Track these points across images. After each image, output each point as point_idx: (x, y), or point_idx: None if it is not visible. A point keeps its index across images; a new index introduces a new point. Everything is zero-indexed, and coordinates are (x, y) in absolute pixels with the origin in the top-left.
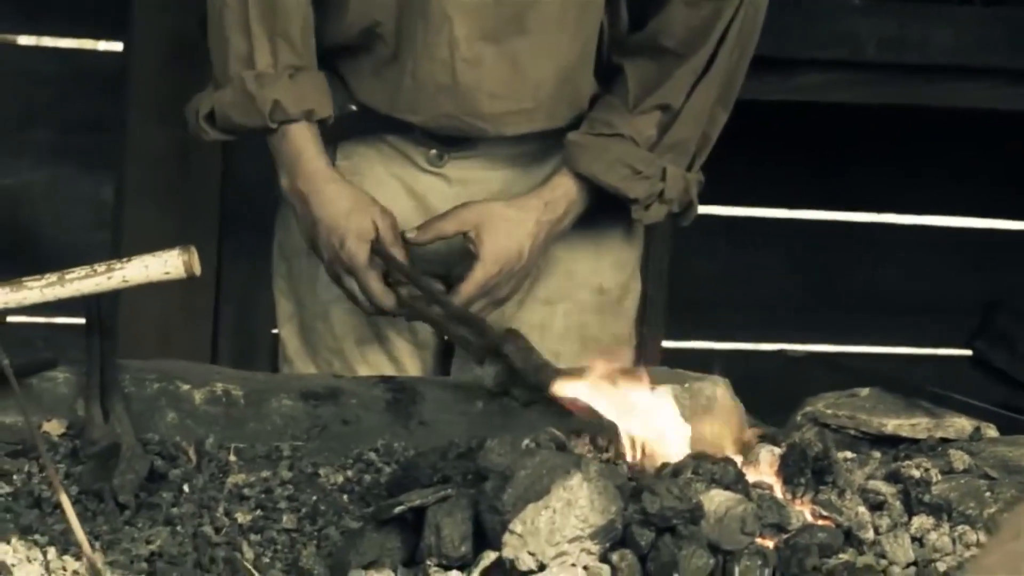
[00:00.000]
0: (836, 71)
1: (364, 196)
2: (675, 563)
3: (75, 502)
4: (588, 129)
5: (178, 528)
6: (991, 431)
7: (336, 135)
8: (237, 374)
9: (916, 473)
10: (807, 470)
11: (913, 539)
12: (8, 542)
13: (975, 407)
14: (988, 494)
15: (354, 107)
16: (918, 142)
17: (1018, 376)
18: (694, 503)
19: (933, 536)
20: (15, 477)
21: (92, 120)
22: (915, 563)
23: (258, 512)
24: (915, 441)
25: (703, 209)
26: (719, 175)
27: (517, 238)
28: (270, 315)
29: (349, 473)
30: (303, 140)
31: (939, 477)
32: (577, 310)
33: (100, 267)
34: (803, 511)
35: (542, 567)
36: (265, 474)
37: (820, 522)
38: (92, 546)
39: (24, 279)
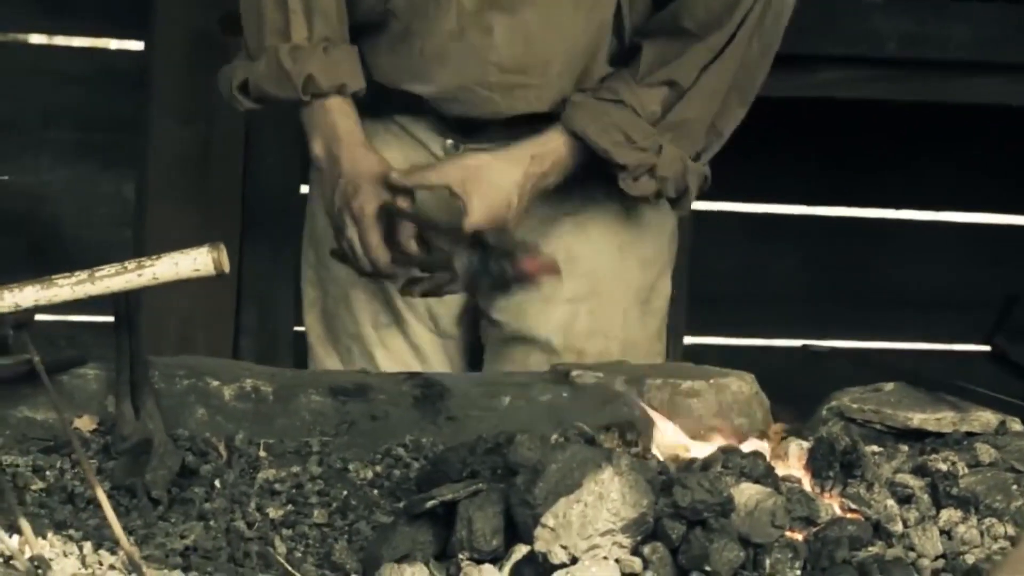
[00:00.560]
0: (854, 67)
1: (389, 162)
2: (706, 556)
3: (108, 497)
4: (592, 93)
5: (211, 523)
6: (1016, 425)
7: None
8: (266, 370)
9: (943, 467)
10: (835, 464)
11: (941, 532)
12: (44, 537)
13: (999, 401)
14: (1015, 487)
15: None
16: (936, 137)
17: None
18: (724, 496)
19: (961, 529)
20: (48, 473)
21: (114, 119)
22: (944, 556)
23: (289, 507)
24: (941, 435)
25: (722, 206)
26: (737, 171)
27: (505, 189)
28: (291, 313)
29: (378, 468)
30: (338, 111)
31: (966, 470)
32: (602, 309)
33: (130, 264)
34: (832, 504)
35: (574, 560)
36: (295, 469)
37: (849, 515)
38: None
39: (54, 277)
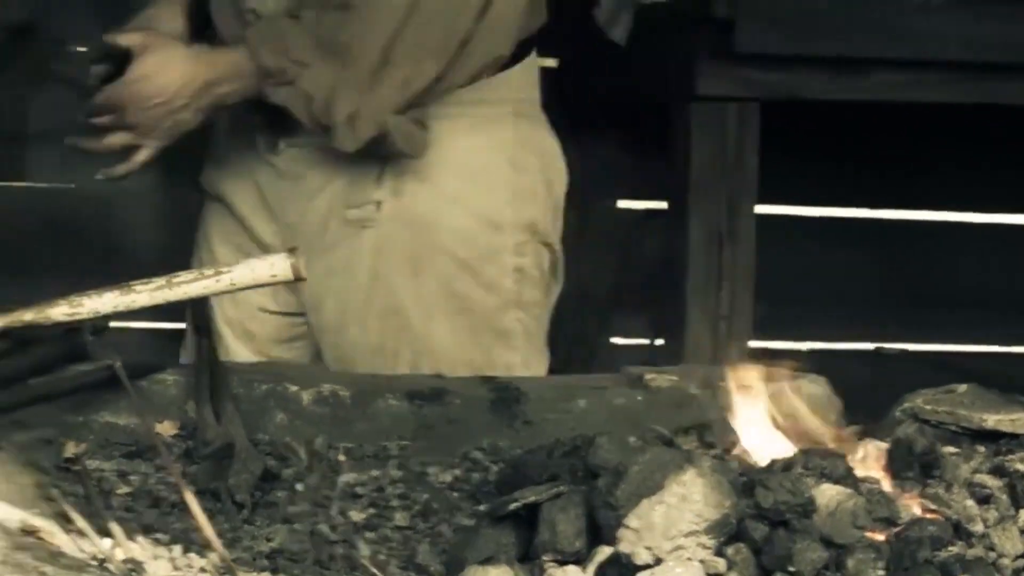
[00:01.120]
0: (913, 71)
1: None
2: (790, 556)
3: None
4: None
5: (295, 526)
6: None
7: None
8: (343, 375)
9: (1020, 467)
10: (914, 464)
11: (1021, 531)
12: (134, 540)
13: None
14: None
15: None
16: (997, 139)
17: None
18: (806, 497)
19: None
20: (132, 478)
21: None
22: None
23: (371, 510)
24: (1015, 436)
25: (786, 210)
26: (800, 175)
27: (168, 76)
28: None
29: (457, 472)
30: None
31: None
32: None
33: (208, 271)
34: (911, 505)
35: (658, 561)
36: (375, 473)
37: (929, 516)
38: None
39: (133, 283)
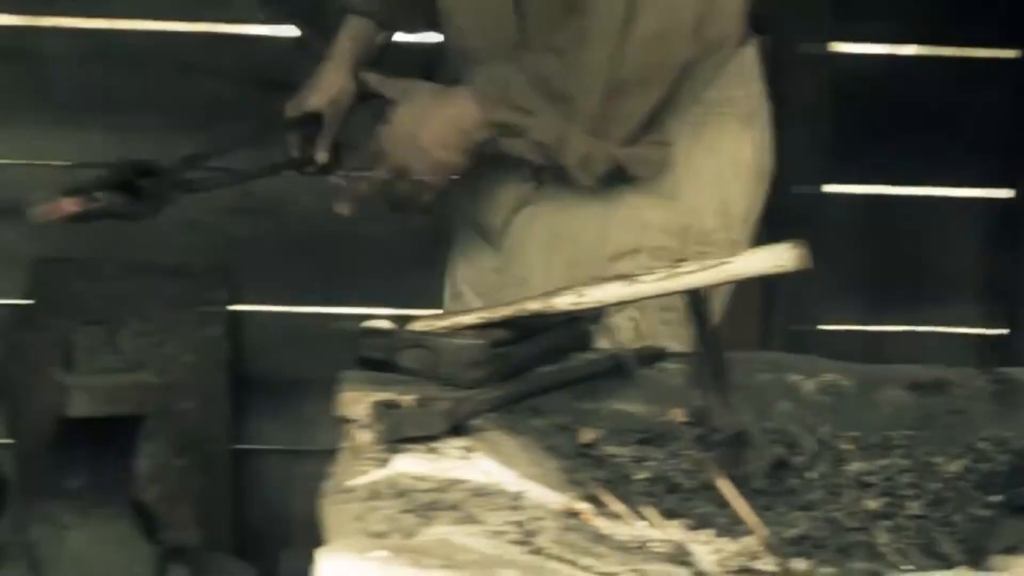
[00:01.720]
0: None
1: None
2: None
3: (710, 488)
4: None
5: (814, 513)
6: None
7: None
8: (843, 366)
9: None
10: None
11: None
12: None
13: None
14: None
15: None
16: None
17: None
18: None
19: None
20: (647, 463)
21: None
22: None
23: (885, 499)
24: None
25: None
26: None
27: (415, 123)
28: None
29: (964, 462)
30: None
31: None
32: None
33: (711, 262)
34: None
35: None
36: (883, 462)
37: None
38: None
39: (638, 274)
